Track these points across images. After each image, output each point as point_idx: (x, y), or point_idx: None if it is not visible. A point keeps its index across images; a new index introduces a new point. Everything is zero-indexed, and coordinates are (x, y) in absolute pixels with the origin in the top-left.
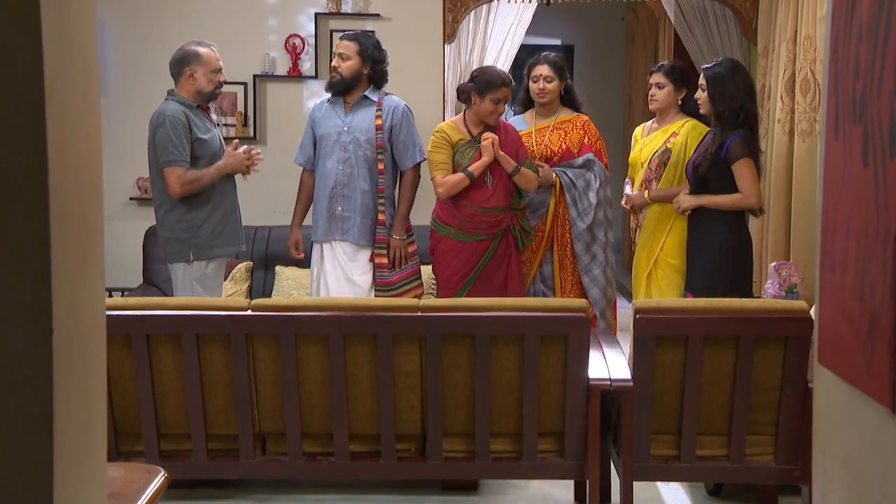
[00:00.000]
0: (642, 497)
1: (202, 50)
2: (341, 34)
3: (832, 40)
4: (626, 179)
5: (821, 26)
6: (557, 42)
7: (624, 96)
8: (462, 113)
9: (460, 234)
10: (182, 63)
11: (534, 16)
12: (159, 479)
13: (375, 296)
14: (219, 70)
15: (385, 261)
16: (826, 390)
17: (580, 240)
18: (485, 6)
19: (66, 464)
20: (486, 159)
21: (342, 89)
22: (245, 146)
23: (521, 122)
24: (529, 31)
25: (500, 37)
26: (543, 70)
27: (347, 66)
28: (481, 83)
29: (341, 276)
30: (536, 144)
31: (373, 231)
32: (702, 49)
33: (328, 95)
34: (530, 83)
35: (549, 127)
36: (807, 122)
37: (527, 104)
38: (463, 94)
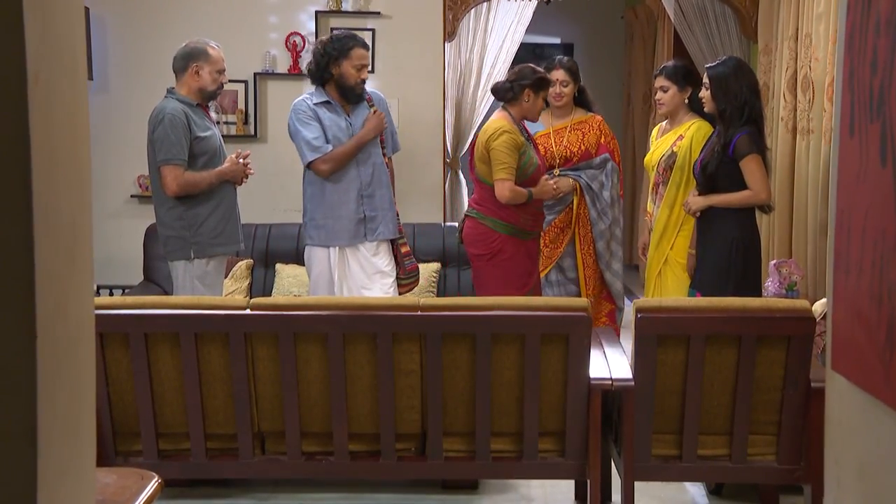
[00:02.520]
0: (643, 496)
1: (210, 49)
2: (359, 45)
3: (847, 34)
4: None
5: (819, 24)
6: (557, 40)
7: (623, 94)
8: (502, 111)
9: (523, 233)
10: (189, 58)
11: (533, 14)
12: (153, 485)
13: (404, 284)
14: (223, 71)
15: (407, 248)
16: (839, 397)
17: (602, 238)
18: (485, 4)
19: (52, 474)
20: (550, 196)
21: None
22: (243, 152)
23: (537, 123)
24: (529, 30)
25: (500, 35)
26: (559, 75)
27: (367, 74)
28: (536, 81)
29: (371, 271)
30: (556, 145)
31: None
32: (701, 47)
33: (312, 97)
34: None
35: (566, 128)
36: (806, 121)
37: None
38: (509, 93)
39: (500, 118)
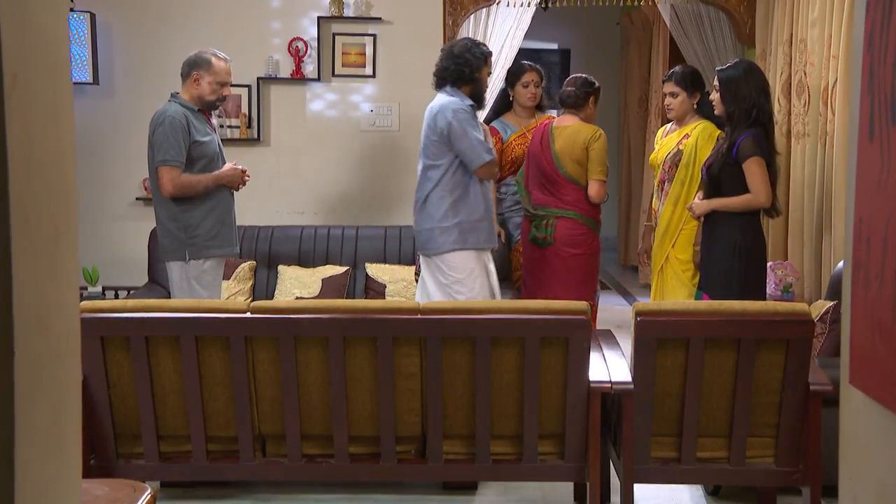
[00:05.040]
0: (641, 496)
1: (215, 60)
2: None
3: (867, 34)
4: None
5: (813, 30)
6: (554, 46)
7: (619, 99)
8: (572, 116)
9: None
10: (192, 66)
11: (531, 20)
12: (145, 497)
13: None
14: (225, 84)
15: None
16: (856, 413)
17: None
18: (484, 10)
19: (31, 492)
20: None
21: None
22: (242, 166)
23: (508, 126)
24: (527, 35)
25: (499, 40)
26: (533, 76)
27: None
28: (597, 89)
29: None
30: None
31: None
32: (697, 53)
33: (463, 100)
34: (521, 88)
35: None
36: (801, 125)
37: (500, 110)
38: (580, 100)
39: (578, 121)
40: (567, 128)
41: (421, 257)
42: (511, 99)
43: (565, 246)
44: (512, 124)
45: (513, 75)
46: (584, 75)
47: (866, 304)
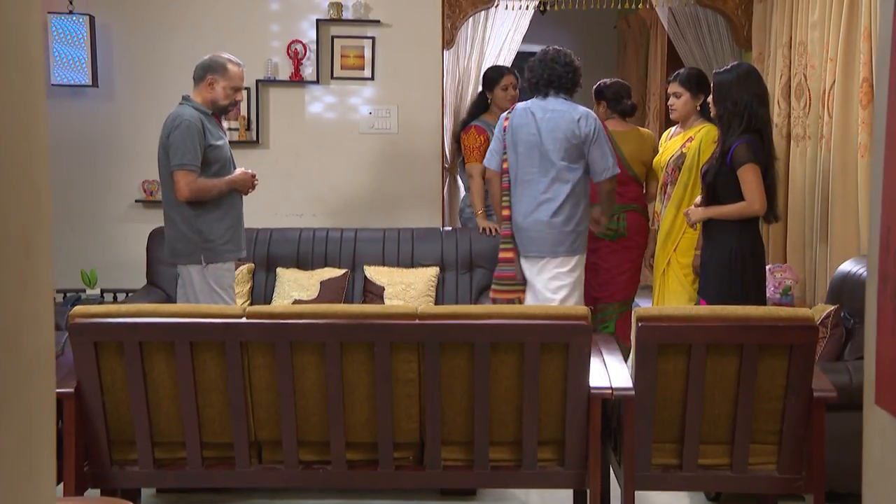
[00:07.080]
0: (642, 503)
1: (230, 65)
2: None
3: (894, 35)
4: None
5: (813, 32)
6: None
7: None
8: (628, 123)
9: None
10: (208, 70)
11: (529, 23)
12: None
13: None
14: (239, 89)
15: None
16: (882, 434)
17: None
18: (483, 13)
19: None
20: None
21: None
22: (251, 171)
23: (491, 125)
24: (524, 38)
25: (497, 43)
26: (513, 80)
27: None
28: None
29: None
30: None
31: None
32: (694, 56)
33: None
34: (500, 91)
35: None
36: (801, 127)
37: (477, 112)
38: (621, 104)
39: (632, 125)
40: (629, 132)
41: (533, 260)
42: (489, 101)
43: (637, 235)
44: (493, 124)
45: (492, 80)
46: (622, 81)
47: (894, 320)
